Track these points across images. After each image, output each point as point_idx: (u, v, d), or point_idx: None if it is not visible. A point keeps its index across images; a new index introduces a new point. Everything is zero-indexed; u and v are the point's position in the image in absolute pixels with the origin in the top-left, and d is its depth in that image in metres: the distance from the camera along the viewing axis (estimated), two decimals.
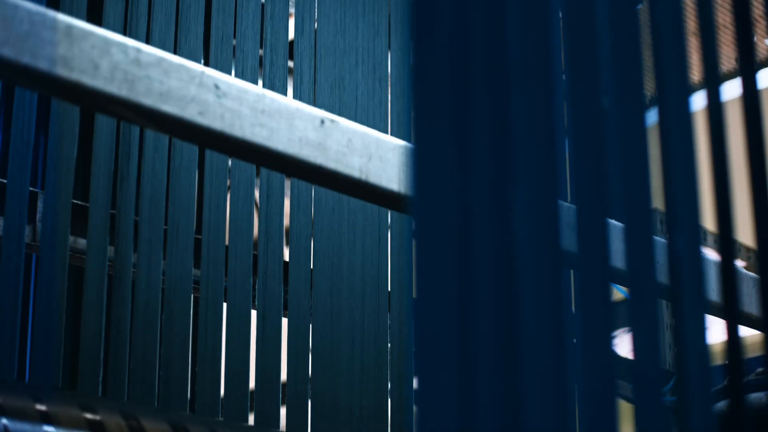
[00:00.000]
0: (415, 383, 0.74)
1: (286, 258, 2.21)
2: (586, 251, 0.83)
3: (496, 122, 0.81)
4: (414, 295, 0.77)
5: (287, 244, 2.20)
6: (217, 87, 1.49)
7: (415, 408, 0.73)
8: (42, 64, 1.35)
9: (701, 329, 0.93)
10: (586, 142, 0.87)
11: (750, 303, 1.11)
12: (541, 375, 0.78)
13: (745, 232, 1.11)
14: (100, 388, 1.93)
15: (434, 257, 0.77)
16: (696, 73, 1.05)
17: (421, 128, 0.80)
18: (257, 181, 2.20)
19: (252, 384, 2.10)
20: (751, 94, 1.06)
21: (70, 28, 1.37)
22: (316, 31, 2.33)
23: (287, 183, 2.23)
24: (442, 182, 0.79)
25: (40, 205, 1.95)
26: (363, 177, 1.62)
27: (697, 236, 0.95)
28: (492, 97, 0.82)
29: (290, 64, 2.33)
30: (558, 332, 0.79)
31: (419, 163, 0.79)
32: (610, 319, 0.81)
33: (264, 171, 2.19)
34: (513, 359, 0.77)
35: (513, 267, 0.79)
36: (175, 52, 2.11)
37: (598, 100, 0.86)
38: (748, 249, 3.54)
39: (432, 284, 0.76)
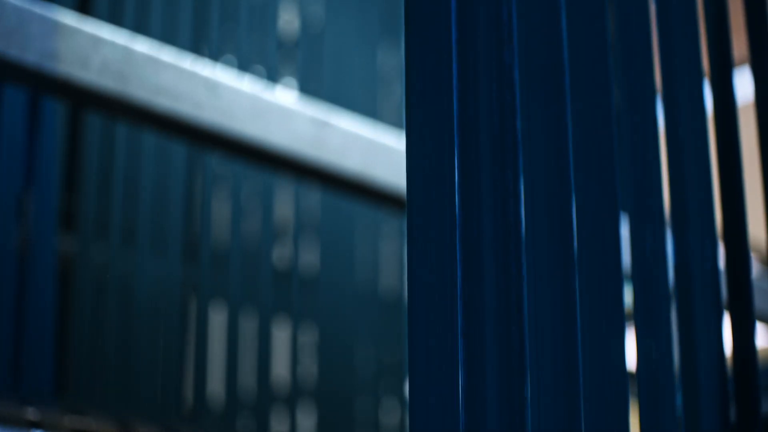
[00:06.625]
0: (409, 386, 0.71)
1: (286, 258, 2.19)
2: (595, 251, 0.80)
3: (497, 119, 0.78)
4: (408, 296, 0.74)
5: (287, 244, 2.18)
6: (212, 83, 1.46)
7: (409, 411, 0.70)
8: (30, 58, 1.31)
9: (714, 334, 0.90)
10: (595, 138, 0.83)
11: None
12: (545, 383, 0.74)
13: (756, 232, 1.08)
14: (93, 395, 1.91)
15: (430, 258, 0.74)
16: (706, 66, 1.01)
17: (418, 126, 0.77)
18: (255, 181, 2.18)
19: (249, 388, 2.08)
20: (763, 87, 1.03)
21: (60, 21, 1.34)
22: (315, 29, 2.31)
23: (286, 183, 2.21)
24: (441, 181, 0.76)
25: (29, 205, 1.92)
26: (362, 177, 1.60)
27: (711, 236, 0.92)
28: (492, 94, 0.78)
29: (290, 62, 2.31)
30: (565, 336, 0.76)
31: (417, 162, 0.76)
32: (620, 323, 0.78)
33: (262, 170, 2.17)
34: (514, 363, 0.73)
35: (514, 267, 0.76)
36: (168, 47, 2.07)
37: (607, 92, 0.83)
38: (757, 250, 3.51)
39: (428, 285, 0.73)
